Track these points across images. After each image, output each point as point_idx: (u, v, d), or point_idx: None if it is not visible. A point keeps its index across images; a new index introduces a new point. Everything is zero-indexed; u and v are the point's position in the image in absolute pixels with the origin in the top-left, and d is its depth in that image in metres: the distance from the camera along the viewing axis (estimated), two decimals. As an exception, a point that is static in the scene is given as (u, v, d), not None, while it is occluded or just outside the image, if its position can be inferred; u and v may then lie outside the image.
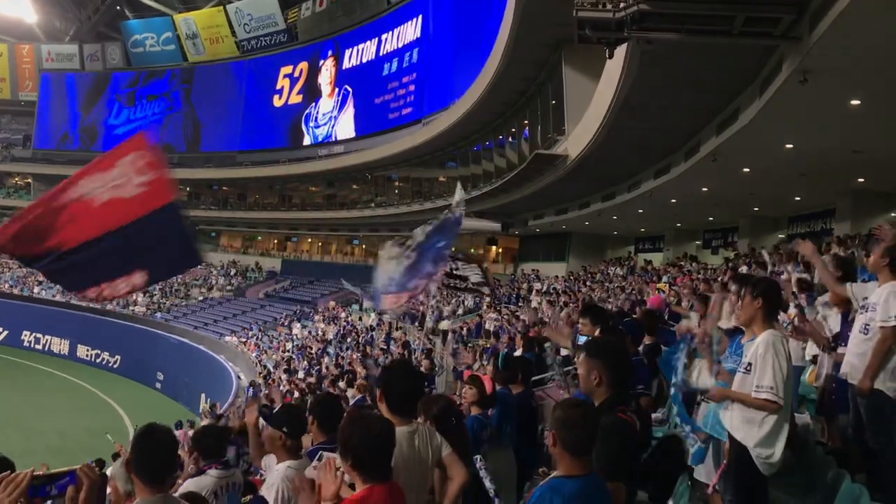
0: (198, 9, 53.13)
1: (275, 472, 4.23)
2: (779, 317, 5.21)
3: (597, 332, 5.98)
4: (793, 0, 9.45)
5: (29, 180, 57.39)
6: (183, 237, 4.97)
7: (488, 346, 19.29)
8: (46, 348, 43.61)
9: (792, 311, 6.84)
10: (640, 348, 7.00)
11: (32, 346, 44.01)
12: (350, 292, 24.15)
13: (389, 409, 3.77)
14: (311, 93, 47.43)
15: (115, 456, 14.23)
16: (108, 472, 13.19)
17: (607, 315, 6.58)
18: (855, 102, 11.33)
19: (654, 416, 7.08)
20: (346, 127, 44.69)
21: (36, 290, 48.45)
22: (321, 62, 47.04)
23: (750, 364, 4.25)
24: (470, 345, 21.17)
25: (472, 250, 40.83)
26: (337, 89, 45.92)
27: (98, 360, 41.18)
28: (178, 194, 5.00)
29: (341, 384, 20.05)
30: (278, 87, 49.73)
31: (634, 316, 9.60)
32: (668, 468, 5.32)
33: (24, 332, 44.58)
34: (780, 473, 4.30)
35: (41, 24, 58.53)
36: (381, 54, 42.94)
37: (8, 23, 57.17)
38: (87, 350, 42.02)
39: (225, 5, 51.26)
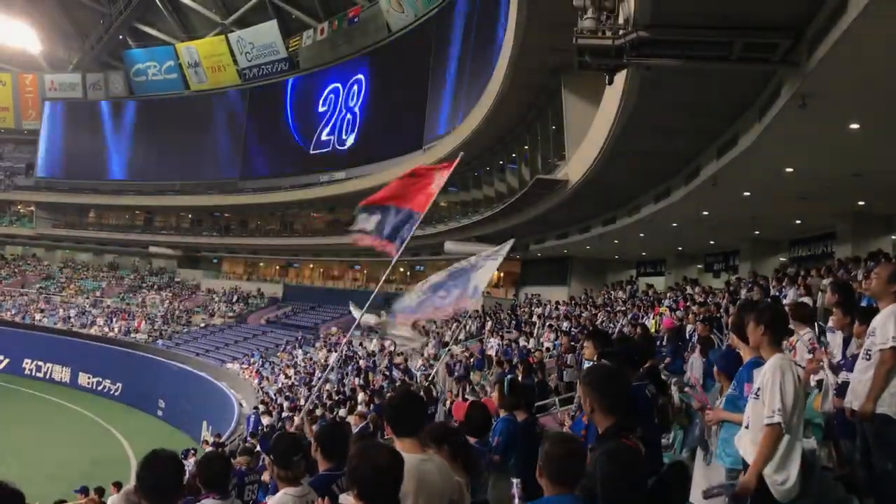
0: (200, 38, 53.67)
1: (272, 500, 4.24)
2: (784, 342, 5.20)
3: (595, 358, 5.97)
4: (790, 25, 9.53)
5: (32, 208, 57.63)
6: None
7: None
8: (48, 376, 43.51)
9: (804, 343, 6.80)
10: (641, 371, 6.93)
11: (33, 374, 43.93)
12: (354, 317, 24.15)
13: (396, 434, 3.78)
14: (313, 118, 47.77)
15: (118, 485, 14.12)
16: (108, 502, 13.11)
17: (611, 339, 6.55)
18: (854, 126, 11.38)
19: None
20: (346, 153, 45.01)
21: (37, 317, 48.44)
22: (326, 91, 47.45)
23: (759, 389, 4.24)
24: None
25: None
26: (339, 115, 46.28)
27: (99, 388, 41.06)
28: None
29: (342, 412, 19.98)
30: (280, 113, 50.09)
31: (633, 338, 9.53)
32: (672, 494, 5.28)
33: (25, 360, 44.51)
34: (790, 498, 4.27)
35: (44, 54, 59.08)
36: (382, 81, 43.25)
37: (11, 53, 57.70)
38: (89, 378, 41.90)
39: (227, 34, 51.79)
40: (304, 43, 48.56)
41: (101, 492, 14.37)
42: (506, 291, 39.02)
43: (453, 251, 33.92)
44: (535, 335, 24.24)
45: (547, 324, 24.86)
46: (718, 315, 15.28)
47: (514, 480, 4.42)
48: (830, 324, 6.84)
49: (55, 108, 58.83)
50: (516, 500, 4.33)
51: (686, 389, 6.54)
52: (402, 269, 45.98)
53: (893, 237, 18.12)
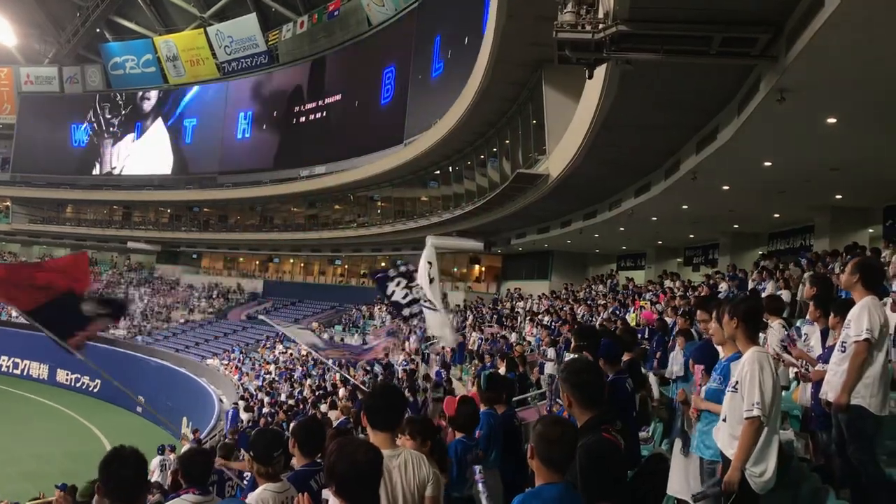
0: (178, 31, 53.21)
1: (252, 495, 4.22)
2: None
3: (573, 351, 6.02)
4: (769, 20, 9.57)
5: (7, 203, 56.87)
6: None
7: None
8: (25, 373, 43.05)
9: (774, 340, 6.86)
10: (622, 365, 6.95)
11: (10, 370, 43.45)
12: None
13: (372, 427, 3.79)
14: (296, 113, 47.60)
15: (95, 482, 13.97)
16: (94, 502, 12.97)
17: (592, 334, 6.56)
18: (832, 120, 11.47)
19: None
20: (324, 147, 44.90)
21: (14, 314, 47.83)
22: (307, 83, 47.24)
23: (738, 382, 4.26)
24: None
25: (455, 269, 40.87)
26: (320, 110, 46.14)
27: (78, 385, 40.65)
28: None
29: (323, 407, 19.94)
30: (259, 107, 49.83)
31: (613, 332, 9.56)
32: (652, 486, 5.31)
33: (2, 357, 44.03)
34: (767, 490, 4.30)
35: (20, 47, 58.28)
36: (362, 74, 43.10)
37: (-14, 46, 56.92)
38: (67, 374, 41.47)
39: (205, 27, 51.38)
40: (283, 36, 48.31)
41: (74, 490, 14.20)
42: (487, 286, 39.08)
43: (435, 246, 33.89)
44: (517, 329, 24.30)
45: (528, 317, 24.92)
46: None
47: (476, 467, 4.44)
48: (808, 316, 6.91)
49: (31, 102, 58.05)
50: (480, 486, 4.35)
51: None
52: (383, 265, 45.90)
53: (870, 230, 18.30)
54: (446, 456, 4.92)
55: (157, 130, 54.61)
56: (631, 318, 18.72)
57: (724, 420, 4.35)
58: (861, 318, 4.87)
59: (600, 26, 9.94)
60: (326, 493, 3.40)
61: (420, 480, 3.70)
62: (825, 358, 5.62)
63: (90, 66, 57.21)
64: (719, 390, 4.67)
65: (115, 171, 55.95)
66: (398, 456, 3.72)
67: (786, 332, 7.00)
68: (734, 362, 4.48)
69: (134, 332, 44.38)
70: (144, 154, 54.57)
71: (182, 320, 46.69)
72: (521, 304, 29.42)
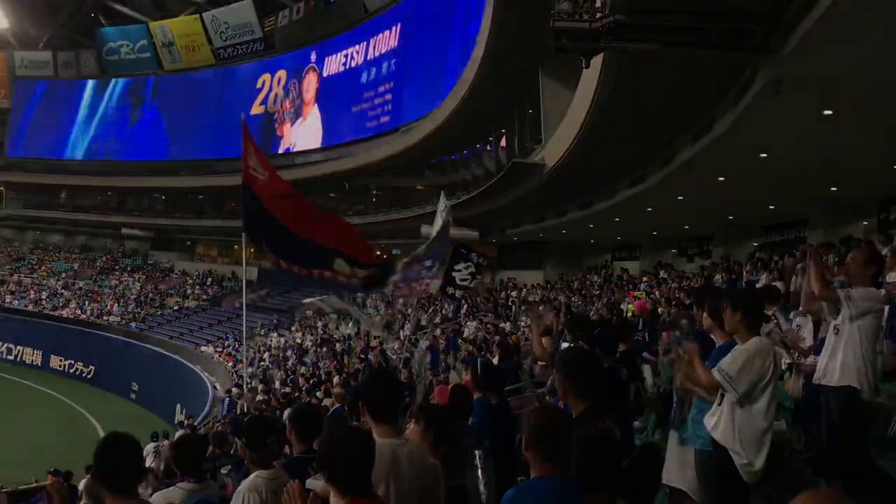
0: (174, 16, 52.77)
1: (244, 482, 4.22)
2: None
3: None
4: (766, 13, 9.57)
5: (1, 189, 56.57)
6: None
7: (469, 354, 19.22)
8: (18, 359, 42.96)
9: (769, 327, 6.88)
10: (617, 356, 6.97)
11: (4, 356, 43.33)
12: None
13: (373, 418, 3.76)
14: (292, 101, 47.41)
15: (89, 469, 14.00)
16: (81, 485, 12.99)
17: (586, 324, 6.58)
18: (828, 113, 11.48)
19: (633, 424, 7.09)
20: (320, 136, 44.75)
21: (8, 300, 47.75)
22: (303, 72, 46.99)
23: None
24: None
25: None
26: (316, 98, 45.97)
27: (72, 371, 40.63)
28: None
29: (318, 394, 19.96)
30: (256, 95, 49.58)
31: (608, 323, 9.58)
32: (646, 476, 5.34)
33: (-4, 343, 43.92)
34: (757, 480, 4.33)
35: (14, 31, 57.72)
36: (358, 63, 42.95)
37: (-21, 30, 56.37)
38: (61, 360, 41.44)
39: (201, 13, 50.99)
40: (279, 23, 48.02)
41: (68, 476, 14.23)
42: (482, 275, 38.98)
43: (430, 235, 33.87)
44: (511, 318, 24.35)
45: (523, 307, 24.97)
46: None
47: (477, 452, 4.43)
48: (801, 308, 6.92)
49: (26, 87, 57.64)
50: (479, 472, 4.35)
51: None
52: (378, 253, 45.78)
53: (864, 223, 18.34)
54: (457, 447, 4.90)
55: (154, 116, 54.32)
56: (628, 309, 18.75)
57: (720, 405, 4.37)
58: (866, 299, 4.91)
59: (598, 16, 9.93)
60: (310, 483, 3.38)
61: (424, 473, 3.69)
62: (817, 350, 5.64)
63: (85, 51, 56.70)
64: None
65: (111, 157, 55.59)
66: (405, 445, 3.70)
67: (775, 322, 7.03)
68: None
69: (128, 319, 44.30)
70: (140, 139, 54.34)
71: (176, 307, 46.62)
72: (514, 293, 29.43)
